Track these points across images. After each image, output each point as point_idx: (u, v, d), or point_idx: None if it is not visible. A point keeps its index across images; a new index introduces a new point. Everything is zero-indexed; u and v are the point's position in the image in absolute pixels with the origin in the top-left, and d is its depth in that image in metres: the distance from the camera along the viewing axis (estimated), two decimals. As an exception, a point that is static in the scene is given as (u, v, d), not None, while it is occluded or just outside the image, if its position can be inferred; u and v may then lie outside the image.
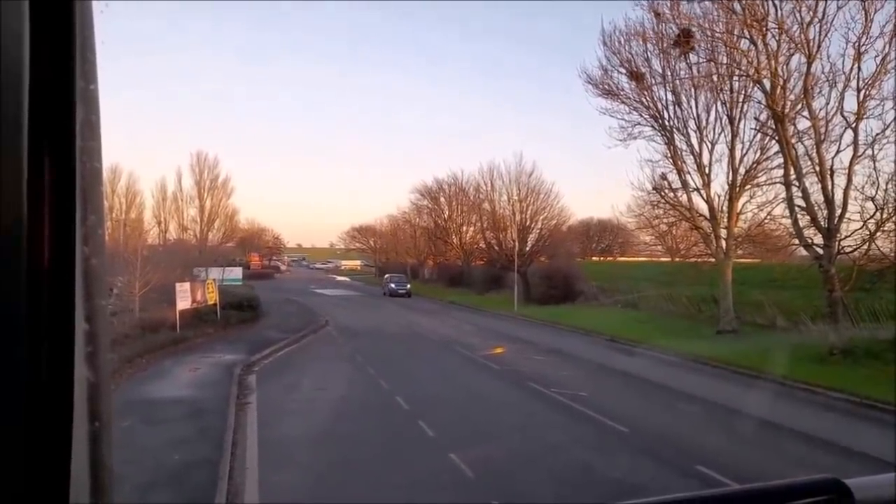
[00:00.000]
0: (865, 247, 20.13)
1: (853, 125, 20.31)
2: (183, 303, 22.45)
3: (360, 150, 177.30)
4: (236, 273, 46.57)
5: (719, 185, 25.73)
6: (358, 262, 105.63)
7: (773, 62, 21.25)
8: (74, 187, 0.83)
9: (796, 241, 22.53)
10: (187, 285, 23.72)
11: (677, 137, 25.72)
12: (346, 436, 11.28)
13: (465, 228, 56.29)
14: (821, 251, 20.75)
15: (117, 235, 32.86)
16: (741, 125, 24.65)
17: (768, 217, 25.25)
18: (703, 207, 26.00)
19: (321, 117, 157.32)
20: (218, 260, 43.69)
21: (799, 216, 21.67)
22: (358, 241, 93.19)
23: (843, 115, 20.58)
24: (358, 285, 67.51)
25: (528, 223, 45.05)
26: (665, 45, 24.94)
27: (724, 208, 25.40)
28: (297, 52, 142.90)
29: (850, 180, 20.30)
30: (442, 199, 58.61)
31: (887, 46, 19.44)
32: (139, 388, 14.22)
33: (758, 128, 24.07)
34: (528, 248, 44.25)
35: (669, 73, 25.42)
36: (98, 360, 0.88)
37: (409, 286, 50.55)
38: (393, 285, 50.23)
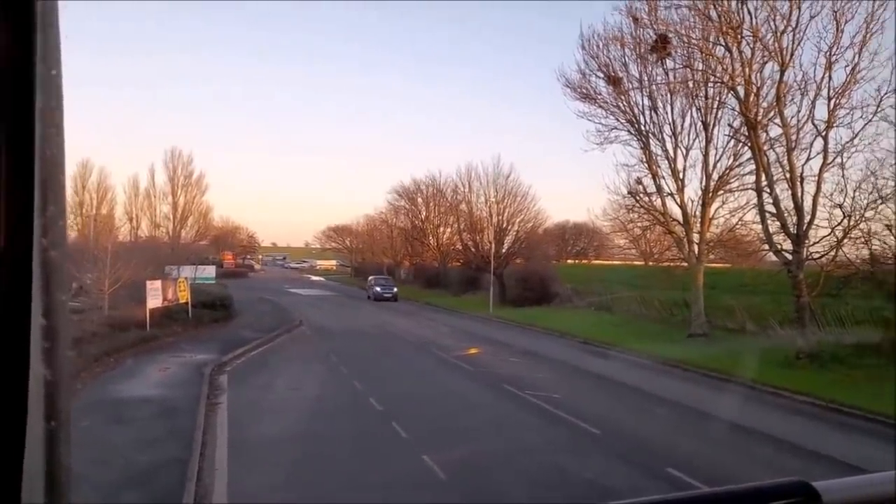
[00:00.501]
0: (833, 253, 20.59)
1: (823, 133, 20.77)
2: (154, 301, 22.08)
3: (337, 149, 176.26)
4: (209, 271, 45.97)
5: (693, 191, 26.14)
6: (333, 262, 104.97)
7: (747, 70, 21.64)
8: (33, 176, 0.80)
9: (766, 247, 22.94)
10: (158, 283, 23.34)
11: (653, 142, 26.06)
12: (319, 436, 11.19)
13: (442, 229, 56.27)
14: (790, 257, 21.17)
15: (87, 231, 32.18)
16: (715, 131, 25.07)
17: (740, 222, 25.69)
18: (676, 212, 26.37)
19: (297, 116, 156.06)
20: (190, 258, 43.13)
21: (769, 222, 22.08)
22: (334, 241, 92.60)
23: (813, 124, 21.05)
24: (333, 285, 67.11)
25: (504, 225, 45.22)
26: (642, 50, 25.25)
27: (697, 213, 25.77)
28: (274, 50, 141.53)
29: (819, 188, 20.76)
30: (419, 200, 58.55)
31: (856, 57, 19.93)
32: (107, 388, 13.94)
33: (731, 134, 24.51)
34: (504, 250, 44.38)
35: (646, 79, 25.74)
36: (56, 356, 0.85)
37: (395, 290, 46.86)
38: (378, 289, 46.35)
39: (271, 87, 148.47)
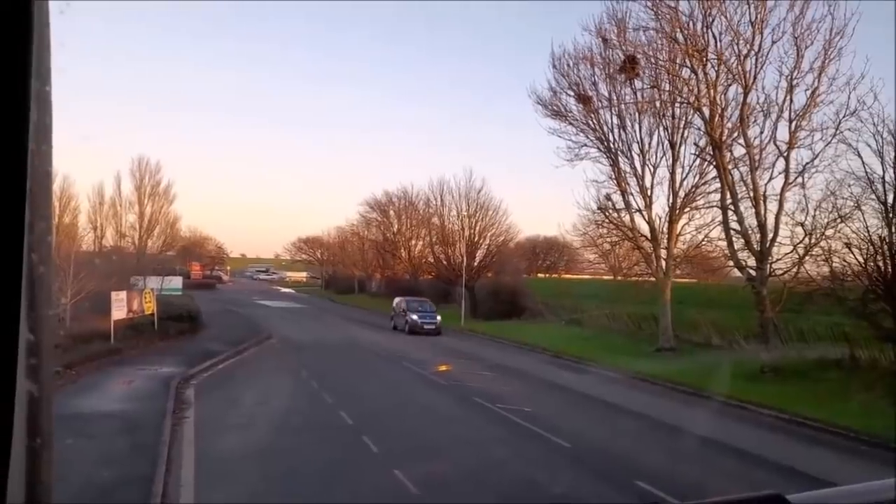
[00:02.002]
0: (795, 270, 21.17)
1: (785, 154, 21.47)
2: (118, 312, 21.54)
3: (309, 160, 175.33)
4: (176, 283, 45.07)
5: (660, 207, 26.66)
6: (304, 274, 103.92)
7: (712, 91, 22.26)
8: (25, 192, 0.80)
9: (731, 263, 23.51)
10: (123, 294, 22.79)
11: (621, 160, 26.56)
12: (288, 451, 11.01)
13: (413, 242, 56.27)
14: (754, 273, 21.71)
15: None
16: (681, 150, 25.71)
17: (705, 239, 26.30)
18: (644, 228, 26.86)
19: (268, 126, 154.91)
20: (157, 269, 42.19)
21: (734, 239, 22.63)
22: (304, 253, 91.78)
23: (775, 144, 21.75)
24: (304, 297, 66.38)
25: (476, 239, 45.39)
26: (611, 70, 25.79)
27: (665, 229, 26.28)
28: (244, 59, 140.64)
29: (781, 206, 21.41)
30: (391, 213, 58.51)
31: (816, 81, 20.68)
32: (68, 402, 13.50)
33: (697, 153, 25.13)
34: (476, 264, 44.53)
35: (615, 98, 26.29)
36: (42, 372, 0.84)
37: (438, 319, 33.91)
38: (415, 317, 33.54)
39: (242, 97, 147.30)
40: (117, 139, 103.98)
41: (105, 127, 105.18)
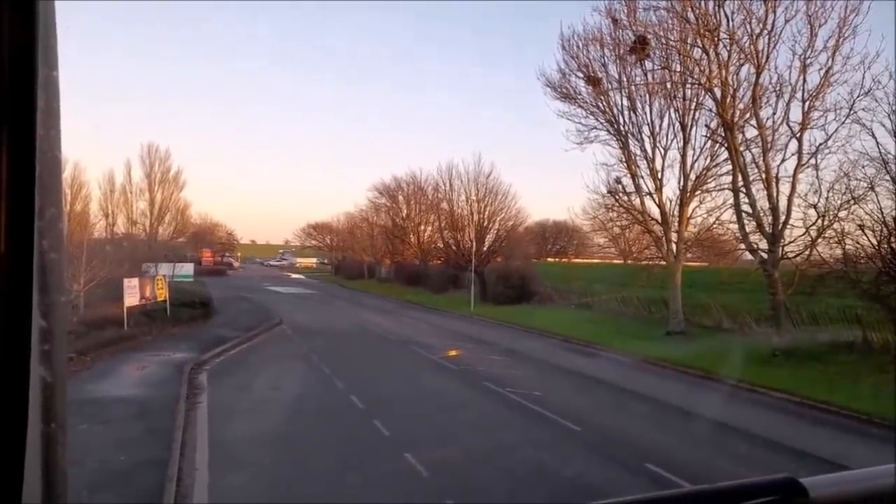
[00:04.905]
0: (807, 252, 20.99)
1: (798, 135, 21.17)
2: (131, 299, 21.77)
3: (318, 146, 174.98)
4: (187, 269, 45.32)
5: (671, 190, 26.45)
6: (313, 260, 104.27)
7: (723, 72, 21.95)
8: (34, 178, 0.79)
9: (742, 246, 23.33)
10: (136, 281, 23.01)
11: (632, 142, 26.32)
12: (300, 436, 11.13)
13: (423, 227, 56.17)
14: (765, 256, 21.54)
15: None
16: (692, 132, 25.41)
17: (716, 222, 26.09)
18: (655, 211, 26.68)
19: (278, 112, 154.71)
20: (168, 255, 42.47)
21: (745, 221, 22.44)
22: (314, 239, 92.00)
23: (788, 125, 21.45)
24: (314, 283, 66.69)
25: (485, 223, 45.30)
26: (621, 51, 25.47)
27: (675, 212, 26.09)
28: (254, 46, 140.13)
29: (793, 188, 21.16)
30: (400, 198, 58.40)
31: (830, 60, 20.32)
32: (83, 387, 13.70)
33: (708, 135, 24.85)
34: (485, 249, 44.48)
35: (625, 79, 25.98)
36: (54, 358, 0.85)
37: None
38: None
39: (251, 83, 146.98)
40: (128, 127, 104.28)
41: (116, 115, 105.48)
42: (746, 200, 22.04)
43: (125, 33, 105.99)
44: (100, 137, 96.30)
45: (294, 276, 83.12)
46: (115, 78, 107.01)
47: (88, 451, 9.32)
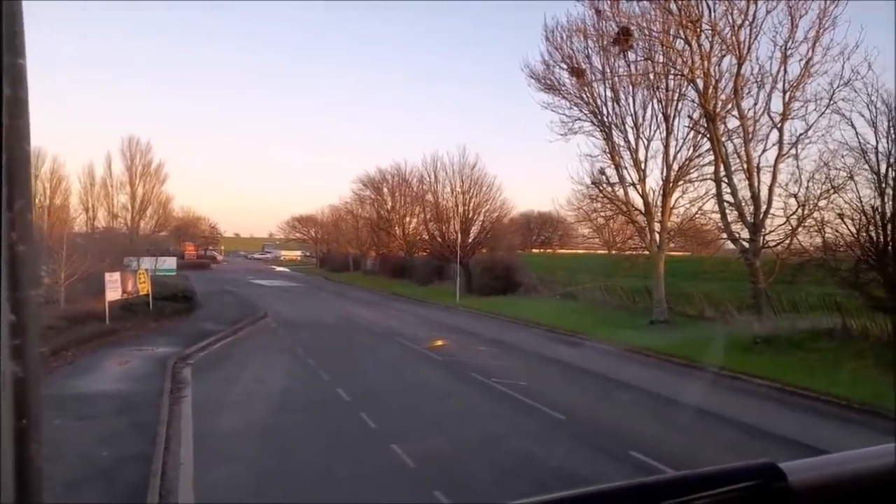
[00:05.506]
0: (788, 241, 21.25)
1: (779, 125, 21.36)
2: (113, 293, 21.51)
3: (302, 139, 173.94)
4: (170, 263, 44.96)
5: (654, 181, 26.69)
6: (298, 253, 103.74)
7: (705, 63, 22.06)
8: (0, 168, 0.77)
9: (724, 235, 23.54)
10: (117, 275, 22.73)
11: (615, 133, 26.43)
12: (286, 429, 11.11)
13: (408, 219, 56.05)
14: (747, 245, 21.76)
15: (41, 223, 31.07)
16: (675, 123, 25.58)
17: (699, 212, 26.29)
18: (638, 202, 26.84)
19: (261, 105, 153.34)
20: (150, 249, 42.03)
21: (727, 211, 22.65)
22: (298, 232, 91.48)
23: (769, 116, 21.62)
24: (298, 276, 66.39)
25: (470, 215, 45.31)
26: (605, 42, 25.50)
27: (658, 203, 26.28)
28: (237, 38, 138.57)
29: (774, 178, 21.37)
30: (385, 190, 58.18)
31: (810, 51, 20.50)
32: (65, 383, 13.55)
33: (691, 126, 25.01)
34: (470, 240, 44.53)
35: (608, 71, 26.04)
36: (26, 353, 0.83)
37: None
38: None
39: (233, 75, 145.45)
40: (108, 119, 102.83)
41: (95, 106, 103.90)
42: (728, 190, 22.23)
43: (105, 25, 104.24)
44: (79, 130, 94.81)
45: (279, 269, 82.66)
46: (96, 70, 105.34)
47: (70, 446, 9.22)
